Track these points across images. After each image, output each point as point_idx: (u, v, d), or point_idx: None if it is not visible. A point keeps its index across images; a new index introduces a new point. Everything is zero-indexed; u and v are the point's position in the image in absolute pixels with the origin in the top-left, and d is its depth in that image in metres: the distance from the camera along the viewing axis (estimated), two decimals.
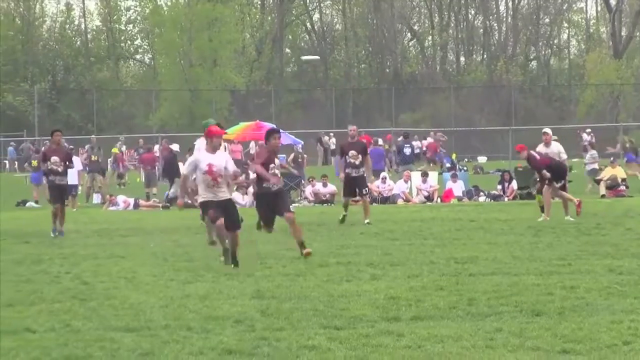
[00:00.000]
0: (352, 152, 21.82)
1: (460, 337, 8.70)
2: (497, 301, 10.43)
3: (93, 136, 48.50)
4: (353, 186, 21.93)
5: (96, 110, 65.82)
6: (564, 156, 22.27)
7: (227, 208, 14.00)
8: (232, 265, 13.88)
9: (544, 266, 13.28)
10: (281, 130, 37.07)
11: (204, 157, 14.13)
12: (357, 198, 23.24)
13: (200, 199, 14.29)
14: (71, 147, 38.88)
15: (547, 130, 22.72)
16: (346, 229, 20.50)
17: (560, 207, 21.68)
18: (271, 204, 15.50)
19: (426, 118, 67.03)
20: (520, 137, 41.43)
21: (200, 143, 17.40)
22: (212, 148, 14.19)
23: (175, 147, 33.62)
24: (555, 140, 22.65)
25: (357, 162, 21.77)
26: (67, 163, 21.14)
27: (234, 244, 13.97)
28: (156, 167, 37.59)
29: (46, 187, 21.93)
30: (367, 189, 22.34)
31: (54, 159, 20.93)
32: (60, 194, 21.11)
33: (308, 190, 32.62)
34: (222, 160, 14.03)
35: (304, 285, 11.90)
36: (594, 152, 36.58)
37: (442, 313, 9.89)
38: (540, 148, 22.15)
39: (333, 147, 54.30)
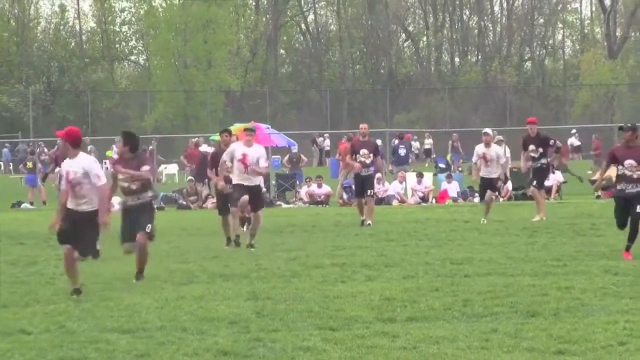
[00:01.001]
0: (363, 151, 21.34)
1: (456, 338, 8.70)
2: (492, 302, 10.43)
3: (86, 137, 48.51)
4: (363, 185, 21.50)
5: (91, 112, 65.67)
6: (502, 160, 21.71)
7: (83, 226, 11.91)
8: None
9: (539, 267, 13.28)
10: (276, 132, 37.38)
11: None
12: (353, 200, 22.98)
13: None
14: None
15: (488, 130, 22.21)
16: (341, 230, 20.47)
17: (554, 207, 21.75)
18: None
19: (421, 119, 67.06)
20: (515, 137, 41.30)
21: (235, 145, 17.30)
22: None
23: (204, 147, 33.30)
24: (500, 141, 21.99)
25: (367, 161, 21.37)
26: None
27: None
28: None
29: (46, 191, 21.49)
30: (373, 190, 21.93)
31: None
32: None
33: (303, 191, 32.59)
34: (78, 167, 11.77)
35: (299, 287, 11.90)
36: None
37: (437, 314, 9.89)
38: (479, 148, 21.72)
39: (327, 148, 54.28)
